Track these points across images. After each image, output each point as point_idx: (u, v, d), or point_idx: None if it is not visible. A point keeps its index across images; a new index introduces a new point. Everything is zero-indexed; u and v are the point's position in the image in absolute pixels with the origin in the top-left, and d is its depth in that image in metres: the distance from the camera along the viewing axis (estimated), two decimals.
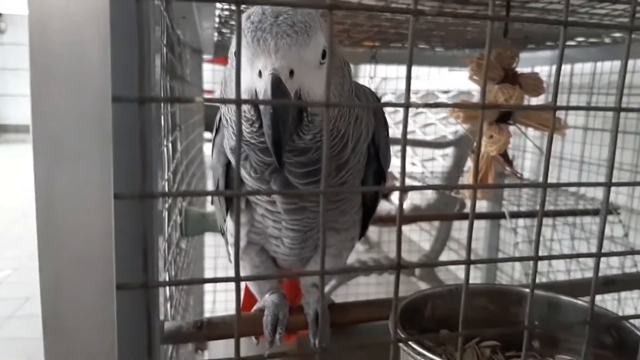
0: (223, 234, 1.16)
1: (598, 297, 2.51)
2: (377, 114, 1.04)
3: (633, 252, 0.72)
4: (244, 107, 0.82)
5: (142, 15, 0.47)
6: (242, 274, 1.17)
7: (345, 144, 0.93)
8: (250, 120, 0.82)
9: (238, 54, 0.48)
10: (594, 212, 2.60)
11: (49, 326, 0.47)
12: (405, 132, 0.53)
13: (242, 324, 1.07)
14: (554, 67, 2.92)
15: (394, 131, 4.31)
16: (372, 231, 5.31)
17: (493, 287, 1.10)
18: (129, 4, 0.46)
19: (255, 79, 0.76)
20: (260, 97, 0.75)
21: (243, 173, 0.94)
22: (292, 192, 0.94)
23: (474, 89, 2.90)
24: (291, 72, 0.76)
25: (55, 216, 0.45)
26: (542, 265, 2.79)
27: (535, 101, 2.10)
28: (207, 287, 3.05)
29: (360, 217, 1.14)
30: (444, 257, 3.82)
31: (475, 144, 1.70)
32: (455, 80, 3.57)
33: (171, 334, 0.96)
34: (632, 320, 0.89)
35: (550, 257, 0.68)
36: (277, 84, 0.73)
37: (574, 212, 2.59)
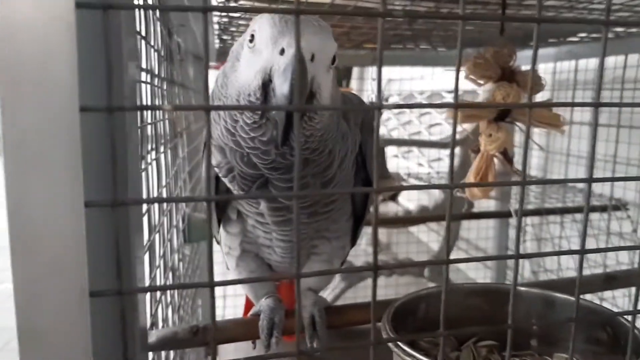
0: (219, 242, 1.17)
1: (608, 294, 2.49)
2: (366, 122, 1.04)
3: (617, 248, 0.71)
4: (245, 96, 0.82)
5: (109, 25, 0.47)
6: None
7: (331, 162, 0.93)
8: (250, 118, 0.83)
9: (206, 66, 0.48)
10: (602, 209, 2.58)
11: (24, 335, 0.47)
12: (377, 135, 0.53)
13: (238, 329, 1.07)
14: (558, 64, 2.91)
15: (400, 132, 4.29)
16: (382, 233, 5.30)
17: (488, 286, 1.09)
18: (96, 15, 0.47)
19: (276, 56, 0.77)
20: (279, 72, 0.76)
21: (232, 187, 0.96)
22: (261, 195, 0.93)
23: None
24: (312, 57, 0.77)
25: (26, 225, 0.46)
26: (552, 263, 2.77)
27: (534, 98, 2.07)
28: (217, 291, 3.07)
29: (351, 225, 1.14)
30: (453, 256, 3.80)
31: (476, 142, 1.69)
32: (461, 80, 3.55)
33: (167, 340, 0.97)
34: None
35: (531, 255, 0.68)
36: (301, 62, 0.74)
37: (580, 209, 2.56)
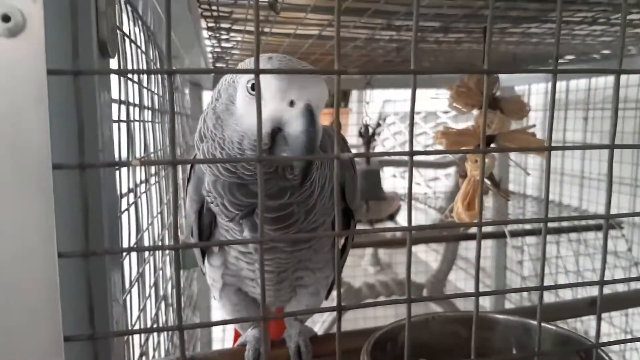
0: (204, 274, 1.19)
1: (604, 315, 2.49)
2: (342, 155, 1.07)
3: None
4: (252, 141, 0.88)
5: (79, 84, 0.51)
6: (222, 313, 1.20)
7: (312, 190, 0.96)
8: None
9: (172, 121, 0.51)
10: (597, 228, 2.59)
11: None
12: (338, 180, 0.56)
13: (225, 359, 1.09)
14: (549, 85, 2.94)
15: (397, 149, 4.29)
16: (383, 253, 5.31)
17: (468, 314, 1.11)
18: (66, 79, 0.50)
19: (285, 108, 0.83)
20: (293, 124, 0.82)
21: (217, 217, 0.99)
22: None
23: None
24: (317, 107, 0.84)
25: (1, 276, 0.49)
26: (548, 282, 2.77)
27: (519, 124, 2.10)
28: (216, 314, 3.09)
29: (333, 255, 1.17)
30: (452, 276, 3.81)
31: (463, 167, 1.71)
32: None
33: None
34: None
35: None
36: (311, 113, 0.82)
37: (575, 229, 2.58)
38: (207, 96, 3.21)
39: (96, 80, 0.56)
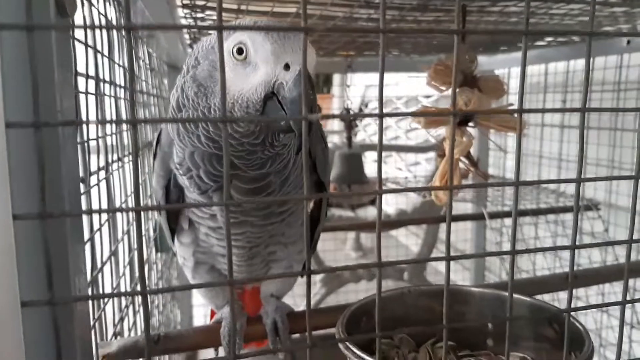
0: (175, 254, 1.18)
1: (581, 293, 2.53)
2: (312, 128, 1.06)
3: (542, 249, 0.74)
4: (243, 107, 0.86)
5: (33, 42, 0.49)
6: (197, 293, 1.19)
7: (288, 159, 0.95)
8: (244, 127, 0.87)
9: (132, 82, 0.50)
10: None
11: None
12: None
13: (201, 337, 1.09)
14: (528, 68, 2.96)
15: (388, 137, 4.31)
16: (365, 237, 5.33)
17: (442, 287, 1.12)
18: (20, 34, 0.48)
19: (280, 71, 0.81)
20: (288, 86, 0.80)
21: (185, 191, 0.97)
22: (205, 204, 0.96)
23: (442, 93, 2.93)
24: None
25: None
26: (527, 264, 2.80)
27: (498, 103, 2.11)
28: (197, 301, 3.08)
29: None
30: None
31: (441, 147, 1.72)
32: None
33: (128, 349, 0.98)
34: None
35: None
36: (307, 77, 0.78)
37: (553, 210, 2.60)
38: None
39: (53, 38, 0.54)
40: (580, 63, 2.72)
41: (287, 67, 0.80)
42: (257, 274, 1.14)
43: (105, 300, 0.97)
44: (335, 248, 4.02)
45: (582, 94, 0.61)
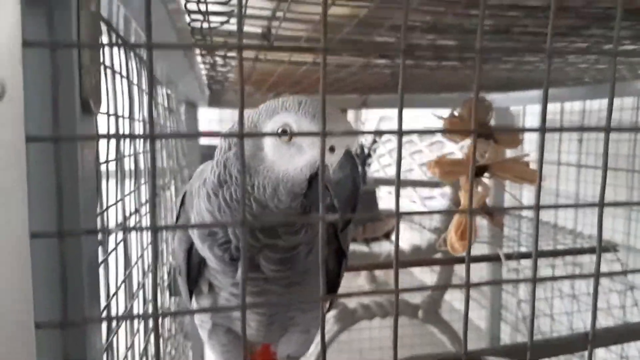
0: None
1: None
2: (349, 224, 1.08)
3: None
4: (287, 186, 0.88)
5: (56, 62, 0.49)
6: (211, 353, 1.19)
7: (317, 230, 0.95)
8: (285, 203, 0.89)
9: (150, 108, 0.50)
10: (591, 251, 2.58)
11: None
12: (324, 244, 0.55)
13: None
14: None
15: (402, 169, 4.34)
16: (380, 270, 5.28)
17: (453, 355, 1.11)
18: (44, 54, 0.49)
19: (326, 155, 0.82)
20: (334, 168, 0.84)
21: (209, 255, 0.97)
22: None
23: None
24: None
25: None
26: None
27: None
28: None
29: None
30: (447, 296, 3.79)
31: (457, 197, 1.70)
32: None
33: None
34: None
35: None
36: (353, 158, 0.84)
37: (570, 252, 2.56)
38: (202, 115, 3.22)
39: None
40: (596, 103, 2.71)
41: (332, 149, 0.83)
42: (274, 337, 1.14)
43: (118, 323, 0.97)
44: (349, 282, 4.00)
45: (602, 133, 0.59)
